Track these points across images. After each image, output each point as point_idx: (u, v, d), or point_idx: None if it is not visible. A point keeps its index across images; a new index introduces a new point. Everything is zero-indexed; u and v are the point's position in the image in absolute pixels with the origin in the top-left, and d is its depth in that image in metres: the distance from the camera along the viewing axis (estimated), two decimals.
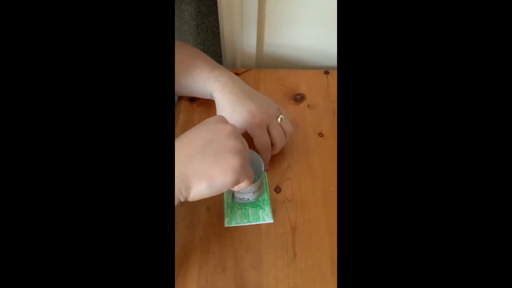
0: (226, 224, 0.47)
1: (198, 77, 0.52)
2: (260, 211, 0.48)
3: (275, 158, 0.53)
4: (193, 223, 0.46)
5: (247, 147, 0.40)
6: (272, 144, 0.49)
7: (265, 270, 0.43)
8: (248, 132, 0.49)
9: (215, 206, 0.48)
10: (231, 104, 0.49)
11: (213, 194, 0.36)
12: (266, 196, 0.49)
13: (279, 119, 0.50)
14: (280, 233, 0.46)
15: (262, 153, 0.49)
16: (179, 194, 0.35)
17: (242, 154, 0.37)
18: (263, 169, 0.45)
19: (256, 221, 0.47)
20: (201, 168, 0.35)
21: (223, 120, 0.40)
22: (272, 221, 0.47)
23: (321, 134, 0.56)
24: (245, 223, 0.47)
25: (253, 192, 0.46)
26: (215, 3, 0.61)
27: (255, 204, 0.48)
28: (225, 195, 0.49)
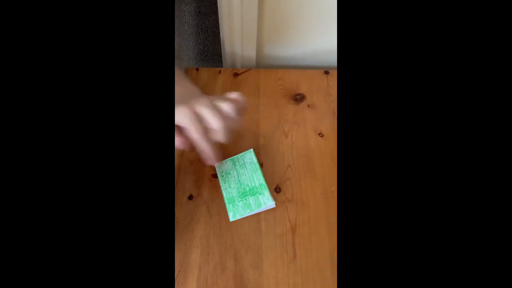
0: (232, 219, 0.47)
1: None
2: (260, 197, 0.48)
3: (275, 158, 0.53)
4: (193, 223, 0.46)
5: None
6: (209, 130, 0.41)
7: (265, 270, 0.43)
8: (183, 129, 0.40)
9: (215, 206, 0.48)
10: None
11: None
12: (262, 181, 0.49)
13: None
14: (280, 233, 0.46)
15: (200, 145, 0.41)
16: None
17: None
18: None
19: (259, 207, 0.47)
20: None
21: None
22: (274, 204, 0.47)
23: (321, 134, 0.56)
24: (249, 213, 0.47)
25: None
26: (215, 3, 0.61)
27: (254, 192, 0.49)
28: (224, 192, 0.49)
